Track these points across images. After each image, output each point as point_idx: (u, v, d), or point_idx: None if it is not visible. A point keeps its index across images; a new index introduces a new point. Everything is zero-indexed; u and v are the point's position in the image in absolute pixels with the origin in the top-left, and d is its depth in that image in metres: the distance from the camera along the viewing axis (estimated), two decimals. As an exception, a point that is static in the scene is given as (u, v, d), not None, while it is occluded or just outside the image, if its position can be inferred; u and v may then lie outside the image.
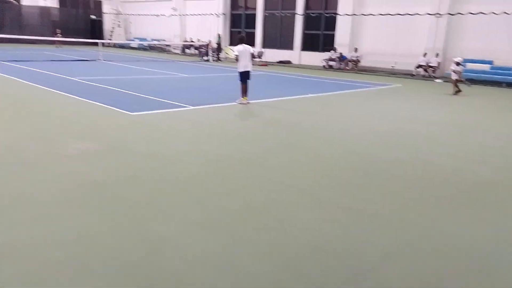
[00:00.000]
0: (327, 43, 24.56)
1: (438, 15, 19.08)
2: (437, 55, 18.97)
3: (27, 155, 5.02)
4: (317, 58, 24.28)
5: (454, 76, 13.16)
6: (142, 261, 2.82)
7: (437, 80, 17.76)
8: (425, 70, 19.07)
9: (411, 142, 6.82)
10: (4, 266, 2.66)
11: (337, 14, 23.43)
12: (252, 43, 27.33)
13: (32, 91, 10.07)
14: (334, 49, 23.14)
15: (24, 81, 11.42)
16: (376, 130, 7.65)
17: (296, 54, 25.82)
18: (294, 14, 25.86)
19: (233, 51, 10.20)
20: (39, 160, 4.85)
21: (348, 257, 3.02)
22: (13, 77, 12.09)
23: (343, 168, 5.29)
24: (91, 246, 2.99)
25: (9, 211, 3.46)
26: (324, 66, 23.19)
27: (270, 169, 5.04)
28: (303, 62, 25.33)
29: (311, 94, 12.34)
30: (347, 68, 22.30)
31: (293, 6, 25.96)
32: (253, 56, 10.17)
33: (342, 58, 22.69)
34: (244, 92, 9.78)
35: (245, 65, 9.65)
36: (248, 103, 9.77)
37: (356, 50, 22.27)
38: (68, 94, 9.57)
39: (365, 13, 22.38)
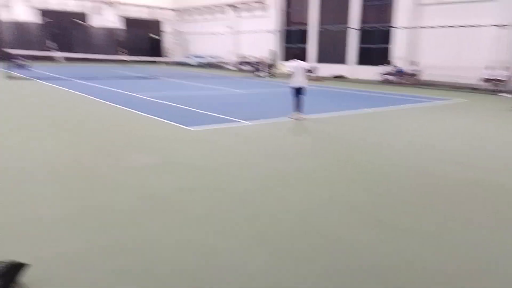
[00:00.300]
0: (382, 57, 24.04)
1: (503, 26, 18.02)
2: (506, 68, 17.86)
3: (96, 167, 5.38)
4: (372, 72, 23.81)
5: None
6: (201, 271, 2.91)
7: (505, 95, 16.65)
8: (494, 84, 17.99)
9: (478, 162, 6.44)
10: (75, 273, 2.86)
11: (393, 27, 22.90)
12: (305, 58, 27.43)
13: (98, 106, 10.82)
14: (389, 63, 22.60)
15: (91, 97, 12.31)
16: (438, 147, 7.32)
17: (351, 68, 25.51)
18: (348, 28, 25.65)
19: (286, 67, 10.30)
20: (106, 173, 5.19)
21: (406, 278, 2.90)
22: (81, 93, 13.07)
23: (401, 186, 5.11)
24: (153, 254, 3.14)
25: (79, 221, 3.73)
26: (381, 80, 22.67)
27: (325, 186, 4.99)
28: (358, 76, 24.95)
29: (366, 108, 12.09)
30: (405, 82, 21.61)
31: (347, 20, 25.80)
32: (307, 71, 10.21)
33: (399, 71, 22.07)
34: (297, 107, 9.82)
35: (298, 80, 9.71)
36: (302, 118, 9.78)
37: (413, 63, 21.57)
38: (130, 109, 10.16)
39: (422, 26, 21.67)
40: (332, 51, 27.31)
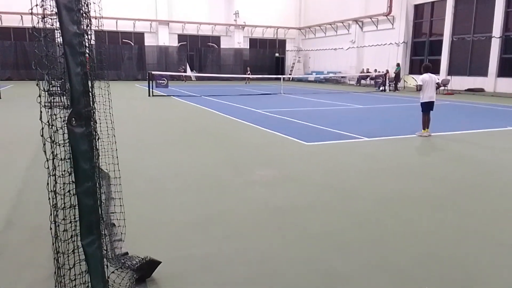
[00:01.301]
0: (532, 68, 20.89)
1: None
2: None
3: (223, 178, 5.75)
4: (518, 85, 20.84)
5: None
6: (318, 293, 2.84)
7: None
8: None
9: None
10: (201, 274, 3.07)
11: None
12: (436, 71, 25.40)
13: (225, 121, 11.60)
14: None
15: (218, 112, 13.29)
16: None
17: (491, 81, 22.73)
18: (489, 37, 22.95)
19: (416, 80, 9.64)
20: (230, 183, 5.50)
21: None
22: (211, 109, 14.21)
23: (559, 220, 4.28)
24: (271, 267, 3.18)
25: (206, 227, 4.00)
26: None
27: (458, 214, 4.46)
28: (500, 90, 22.09)
29: (511, 127, 10.55)
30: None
31: (488, 28, 23.12)
32: (438, 85, 9.43)
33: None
34: (426, 123, 9.09)
35: (430, 95, 9.01)
36: (430, 135, 9.01)
37: None
38: (253, 124, 10.66)
39: None
40: (467, 63, 24.73)
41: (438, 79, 9.62)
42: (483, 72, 23.41)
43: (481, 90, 22.89)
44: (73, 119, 1.65)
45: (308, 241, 3.70)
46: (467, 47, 24.78)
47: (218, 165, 6.48)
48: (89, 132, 1.68)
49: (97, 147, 2.18)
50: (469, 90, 23.21)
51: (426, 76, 9.07)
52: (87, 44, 1.76)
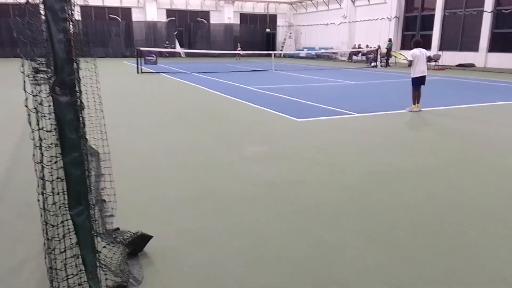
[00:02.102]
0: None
1: None
2: None
3: (214, 155, 5.74)
4: (509, 60, 20.91)
5: None
6: (309, 262, 2.89)
7: None
8: None
9: None
10: (193, 248, 3.09)
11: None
12: (428, 46, 25.31)
13: (214, 98, 11.51)
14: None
15: (209, 89, 13.16)
16: None
17: (482, 56, 22.75)
18: (481, 11, 22.82)
19: (405, 56, 9.65)
20: (222, 159, 5.50)
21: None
22: (201, 86, 14.07)
23: (544, 191, 4.38)
24: (263, 240, 3.22)
25: (198, 202, 4.02)
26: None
27: (447, 186, 4.53)
28: (490, 65, 22.16)
29: (500, 101, 10.64)
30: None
31: (480, 3, 22.97)
32: (429, 59, 9.40)
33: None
34: (417, 99, 9.12)
35: (422, 70, 8.99)
36: (420, 110, 9.05)
37: None
38: (244, 101, 10.59)
39: None
40: (459, 38, 24.67)
41: (428, 54, 9.59)
42: (474, 47, 23.42)
43: (472, 65, 22.95)
44: (57, 87, 1.61)
45: (299, 214, 3.74)
46: (458, 21, 24.67)
47: (210, 142, 6.46)
48: (74, 101, 1.65)
49: (83, 118, 2.14)
50: (460, 65, 23.24)
51: (417, 51, 9.03)
52: (70, 12, 1.70)
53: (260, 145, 6.24)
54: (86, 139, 3.06)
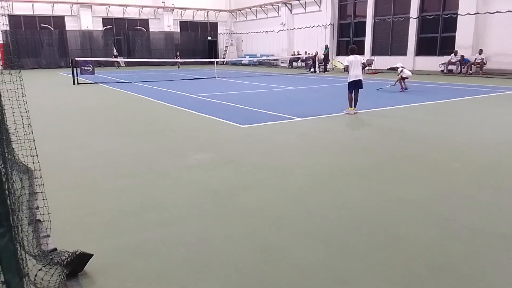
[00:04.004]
0: (445, 46, 22.72)
1: None
2: None
3: (157, 164, 5.61)
4: (433, 62, 22.60)
5: None
6: (255, 266, 2.92)
7: None
8: None
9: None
10: (137, 262, 3.00)
11: (458, 14, 21.49)
12: (361, 51, 26.64)
13: (158, 107, 11.28)
14: (455, 52, 21.21)
15: (150, 99, 12.87)
16: (509, 142, 6.75)
17: (410, 60, 24.37)
18: (407, 18, 24.49)
19: (342, 63, 10.13)
20: (166, 169, 5.38)
21: (472, 281, 2.70)
22: (142, 96, 13.72)
23: (467, 182, 4.78)
24: (209, 248, 3.20)
25: (141, 213, 3.90)
26: (442, 70, 21.43)
27: (384, 182, 4.79)
28: (418, 68, 23.80)
29: (428, 101, 11.47)
30: (470, 72, 20.27)
31: (406, 9, 24.65)
32: (364, 65, 9.94)
33: (464, 61, 20.71)
34: (354, 102, 9.57)
35: (356, 74, 9.46)
36: (356, 113, 9.51)
37: (480, 52, 20.11)
38: (187, 109, 10.48)
39: (491, 11, 20.13)
40: (389, 43, 26.26)
41: (363, 60, 10.13)
42: (403, 51, 25.04)
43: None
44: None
45: (245, 219, 3.76)
46: (388, 28, 26.27)
47: (152, 152, 6.31)
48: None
49: (6, 136, 2.01)
50: (391, 69, 24.68)
51: (351, 57, 9.51)
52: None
53: (205, 152, 6.21)
54: (13, 156, 2.87)
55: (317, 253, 3.12)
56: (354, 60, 9.46)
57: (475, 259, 3.00)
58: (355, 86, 9.52)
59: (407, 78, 14.53)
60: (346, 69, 9.61)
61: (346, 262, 2.98)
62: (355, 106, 9.59)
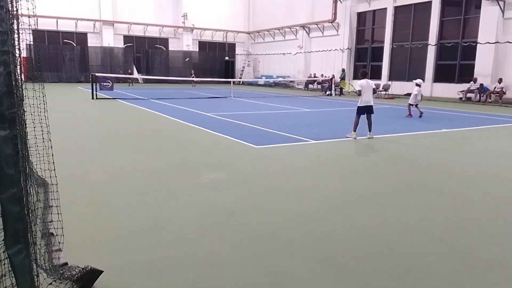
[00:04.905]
0: (463, 74, 22.59)
1: None
2: None
3: (170, 182, 5.64)
4: (451, 90, 22.45)
5: None
6: (264, 293, 2.87)
7: None
8: None
9: None
10: (146, 281, 2.99)
11: (478, 42, 21.42)
12: (378, 76, 26.71)
13: (173, 124, 11.41)
14: (475, 80, 21.05)
15: (166, 116, 13.04)
16: (528, 172, 6.60)
17: (428, 86, 24.26)
18: (426, 44, 24.51)
19: (353, 86, 10.11)
20: (178, 187, 5.41)
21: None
22: (159, 113, 13.92)
23: (484, 213, 4.66)
24: (219, 270, 3.17)
25: (152, 232, 3.91)
26: (460, 98, 21.24)
27: (398, 210, 4.71)
28: (435, 95, 23.66)
29: (445, 129, 11.34)
30: (489, 100, 20.04)
31: (424, 36, 24.71)
32: (374, 91, 9.90)
33: (483, 89, 20.52)
34: (368, 127, 9.53)
35: (367, 100, 9.43)
36: (372, 137, 9.45)
37: (500, 81, 19.92)
38: (202, 128, 10.57)
39: (511, 41, 20.02)
40: (407, 69, 26.25)
41: (374, 85, 10.05)
42: (421, 78, 24.94)
43: (419, 94, 24.36)
44: (-4, 122, 1.55)
45: (255, 242, 3.73)
46: (406, 53, 26.31)
47: (166, 169, 6.36)
48: (13, 136, 1.58)
49: (27, 151, 2.06)
50: (408, 94, 24.55)
51: (364, 81, 9.47)
52: (15, 44, 1.66)
53: (218, 171, 6.22)
54: (32, 170, 2.92)
55: (327, 280, 3.06)
56: (366, 85, 9.43)
57: (492, 295, 2.90)
58: (366, 111, 9.47)
59: (415, 104, 13.91)
60: (359, 94, 9.50)
61: (358, 291, 2.91)
62: (370, 131, 9.53)
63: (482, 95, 20.52)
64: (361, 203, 4.94)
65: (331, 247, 3.64)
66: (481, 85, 20.56)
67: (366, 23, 29.69)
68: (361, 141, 9.22)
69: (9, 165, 1.57)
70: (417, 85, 13.98)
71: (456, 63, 23.26)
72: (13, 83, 1.60)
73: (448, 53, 23.77)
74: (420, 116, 13.64)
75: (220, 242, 3.71)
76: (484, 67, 21.13)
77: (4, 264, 1.86)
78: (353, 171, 6.59)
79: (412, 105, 13.93)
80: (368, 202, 4.96)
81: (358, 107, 9.51)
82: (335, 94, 25.83)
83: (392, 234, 3.97)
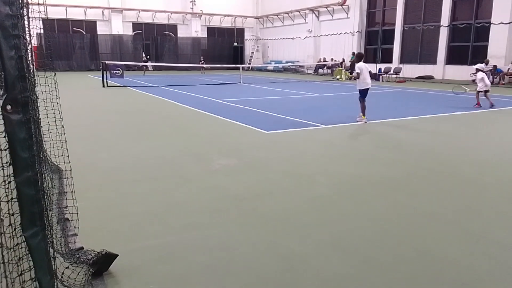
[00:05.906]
0: (476, 56, 22.11)
1: None
2: None
3: (182, 168, 5.68)
4: (464, 72, 22.01)
5: None
6: (277, 275, 2.90)
7: None
8: None
9: None
10: (160, 265, 3.03)
11: (491, 23, 20.89)
12: (389, 59, 26.29)
13: (183, 111, 11.44)
14: (486, 62, 20.60)
15: (177, 103, 13.06)
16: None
17: (440, 69, 23.86)
18: (438, 26, 23.99)
19: (344, 73, 10.00)
20: (190, 173, 5.44)
21: (508, 302, 2.59)
22: (169, 100, 13.95)
23: (498, 197, 4.61)
24: (231, 254, 3.20)
25: (165, 217, 3.95)
26: (473, 80, 20.83)
27: (411, 195, 4.69)
28: (448, 77, 23.24)
29: (458, 112, 11.17)
30: (502, 82, 19.64)
31: (437, 18, 24.17)
32: (369, 73, 9.76)
33: (496, 71, 20.09)
34: (364, 109, 9.47)
35: (368, 81, 9.36)
36: (366, 122, 9.36)
37: (514, 61, 19.45)
38: (212, 114, 10.58)
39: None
40: (418, 51, 25.79)
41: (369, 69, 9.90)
42: (433, 60, 24.53)
43: (431, 77, 23.98)
44: (9, 105, 1.57)
45: (267, 226, 3.75)
46: (417, 36, 25.81)
47: (177, 156, 6.39)
48: (27, 119, 1.60)
49: (40, 135, 2.08)
50: (419, 77, 24.23)
51: (361, 64, 9.35)
52: (25, 29, 1.66)
53: (229, 157, 6.24)
54: (46, 156, 2.96)
55: (340, 264, 3.07)
56: (364, 68, 9.33)
57: (504, 276, 2.88)
58: (366, 93, 9.39)
59: (483, 91, 11.88)
60: (358, 76, 9.37)
61: (370, 275, 2.92)
62: (364, 115, 9.46)
63: (495, 77, 20.11)
64: (373, 188, 4.92)
65: (343, 232, 3.65)
66: (495, 66, 20.14)
67: (377, 5, 29.11)
68: (372, 125, 9.14)
69: (23, 149, 1.59)
70: (478, 70, 12.25)
71: (469, 45, 22.77)
72: (25, 67, 1.62)
73: (461, 35, 23.25)
74: (491, 107, 11.79)
75: (233, 226, 3.74)
76: (497, 48, 20.65)
77: (22, 248, 1.91)
78: (365, 156, 6.55)
79: (481, 91, 11.91)
80: (381, 187, 4.93)
81: (360, 90, 9.42)
82: (346, 79, 25.56)
83: (404, 218, 3.96)
